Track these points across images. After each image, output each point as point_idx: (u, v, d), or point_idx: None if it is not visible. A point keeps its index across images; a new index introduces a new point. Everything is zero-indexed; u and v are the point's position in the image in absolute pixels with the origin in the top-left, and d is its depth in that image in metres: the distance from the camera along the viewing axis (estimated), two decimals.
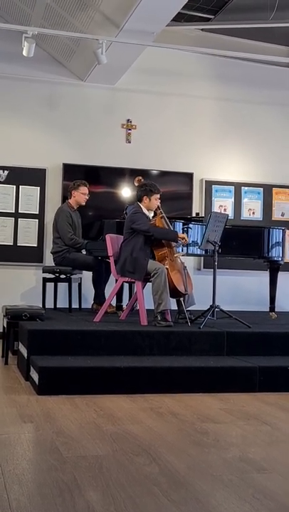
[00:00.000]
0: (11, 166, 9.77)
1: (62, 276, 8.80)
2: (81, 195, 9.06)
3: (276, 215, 11.00)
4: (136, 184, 8.09)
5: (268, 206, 10.97)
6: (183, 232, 8.10)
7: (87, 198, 9.13)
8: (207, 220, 7.50)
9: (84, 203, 9.14)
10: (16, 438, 4.15)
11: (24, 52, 8.50)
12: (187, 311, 7.39)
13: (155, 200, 7.58)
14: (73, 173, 9.82)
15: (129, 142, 10.41)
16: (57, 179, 9.97)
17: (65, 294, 9.13)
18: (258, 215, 10.90)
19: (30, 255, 9.84)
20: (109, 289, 8.11)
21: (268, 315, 8.99)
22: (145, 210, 7.54)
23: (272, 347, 6.88)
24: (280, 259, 8.94)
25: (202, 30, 10.60)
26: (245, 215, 10.85)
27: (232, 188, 10.81)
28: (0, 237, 9.76)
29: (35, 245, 9.88)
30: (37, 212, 9.92)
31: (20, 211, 9.86)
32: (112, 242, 7.64)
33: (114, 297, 8.06)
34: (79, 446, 3.99)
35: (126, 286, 8.71)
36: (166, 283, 7.11)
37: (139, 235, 7.33)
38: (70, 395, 5.48)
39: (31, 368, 5.97)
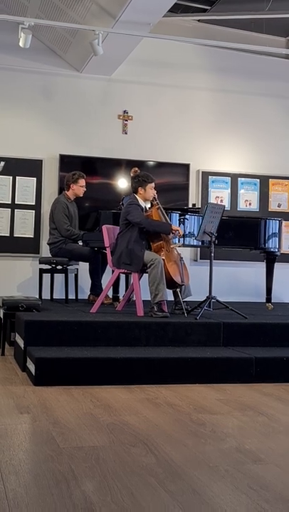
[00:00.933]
0: (8, 157, 9.75)
1: (59, 267, 8.81)
2: (80, 188, 9.06)
3: (273, 206, 11.01)
4: (132, 175, 8.08)
5: (264, 197, 10.97)
6: (179, 224, 8.11)
7: (85, 189, 9.13)
8: (204, 211, 7.50)
9: (82, 195, 9.14)
10: (13, 429, 4.16)
11: (21, 43, 8.49)
12: (184, 301, 7.40)
13: (150, 190, 7.56)
14: (70, 164, 9.82)
15: (126, 133, 10.40)
16: (53, 170, 9.97)
17: (61, 285, 9.14)
18: (254, 206, 10.91)
19: (27, 246, 9.84)
20: (106, 279, 8.11)
21: (265, 306, 9.01)
22: (141, 202, 7.53)
23: (269, 338, 6.88)
24: (276, 250, 8.95)
25: (199, 21, 10.60)
26: (242, 206, 10.86)
27: (228, 179, 10.81)
28: None
29: (32, 236, 9.88)
30: (33, 203, 9.92)
31: (16, 202, 9.86)
32: (108, 233, 7.64)
33: (111, 288, 8.07)
34: (75, 437, 3.99)
35: (122, 277, 8.70)
36: (163, 274, 7.11)
37: (135, 226, 7.32)
38: (66, 385, 5.48)
39: (28, 358, 5.97)
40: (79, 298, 9.31)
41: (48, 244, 9.01)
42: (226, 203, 10.61)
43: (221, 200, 10.64)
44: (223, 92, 10.85)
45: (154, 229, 7.41)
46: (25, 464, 3.47)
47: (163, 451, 3.74)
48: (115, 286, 8.34)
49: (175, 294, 7.52)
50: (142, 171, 7.95)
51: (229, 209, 10.54)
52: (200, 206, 9.91)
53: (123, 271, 7.52)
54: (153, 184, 7.59)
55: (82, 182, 9.06)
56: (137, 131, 10.40)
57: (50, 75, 10.10)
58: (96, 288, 8.75)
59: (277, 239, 8.94)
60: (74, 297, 9.23)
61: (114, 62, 9.70)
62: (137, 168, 8.21)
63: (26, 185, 9.92)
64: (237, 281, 10.57)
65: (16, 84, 9.94)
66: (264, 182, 10.98)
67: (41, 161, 9.96)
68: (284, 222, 9.56)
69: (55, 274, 9.13)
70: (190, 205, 10.12)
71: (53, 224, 8.91)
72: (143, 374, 5.80)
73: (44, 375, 5.56)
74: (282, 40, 11.12)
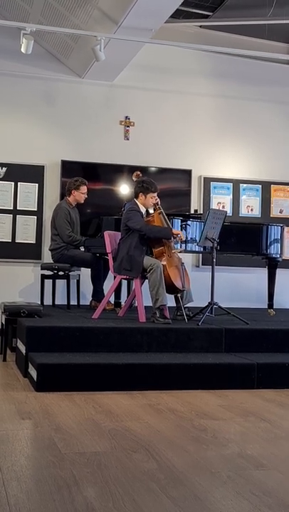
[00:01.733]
0: (10, 163, 9.76)
1: (61, 273, 8.80)
2: (81, 194, 9.06)
3: (274, 212, 11.01)
4: (134, 179, 8.09)
5: (266, 203, 10.97)
6: (181, 229, 8.10)
7: (86, 196, 9.12)
8: (205, 217, 7.50)
9: (83, 202, 9.14)
10: (15, 434, 4.15)
11: (22, 49, 8.49)
12: (185, 307, 7.40)
13: (151, 199, 7.54)
14: (71, 170, 9.82)
15: (128, 139, 10.40)
16: (55, 176, 9.97)
17: (63, 291, 9.14)
18: (256, 212, 10.91)
19: (29, 252, 9.83)
20: (108, 285, 8.11)
21: (267, 312, 8.99)
22: (141, 207, 7.53)
23: (271, 344, 6.88)
24: (278, 256, 8.95)
25: (201, 27, 10.60)
26: (244, 212, 10.85)
27: (230, 185, 10.81)
28: None
29: (34, 242, 9.87)
30: (35, 209, 9.91)
31: (18, 208, 9.85)
32: (110, 239, 7.64)
33: (113, 294, 8.06)
34: (77, 443, 3.99)
35: (124, 283, 8.70)
36: (162, 278, 7.10)
37: (135, 232, 7.32)
38: (68, 391, 5.48)
39: (29, 364, 5.97)
40: (81, 304, 9.30)
41: (49, 250, 9.01)
42: (228, 209, 10.60)
43: (223, 206, 10.63)
44: (225, 98, 10.86)
45: (155, 235, 7.40)
46: (26, 470, 3.47)
47: (165, 457, 3.73)
48: (117, 292, 8.34)
49: (176, 300, 7.51)
50: (147, 178, 7.88)
51: (231, 215, 10.53)
52: (202, 212, 9.91)
53: (124, 277, 7.52)
54: (155, 194, 7.57)
55: (83, 189, 9.06)
56: (138, 137, 10.40)
57: (51, 80, 10.10)
58: (98, 294, 8.75)
59: (279, 245, 8.94)
60: (76, 303, 9.22)
61: (116, 67, 9.71)
62: (139, 172, 8.23)
63: (28, 191, 9.92)
64: (239, 287, 10.56)
65: (18, 90, 9.95)
66: (266, 188, 10.97)
67: (43, 166, 9.96)
68: (286, 228, 9.55)
69: (57, 280, 9.12)
70: (192, 211, 10.11)
71: (55, 230, 8.91)
72: (145, 380, 5.80)
73: (46, 381, 5.56)
74: (284, 46, 11.12)
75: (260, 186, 10.95)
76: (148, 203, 7.57)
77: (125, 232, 7.39)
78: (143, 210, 7.55)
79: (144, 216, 7.56)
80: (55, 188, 9.97)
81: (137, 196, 7.57)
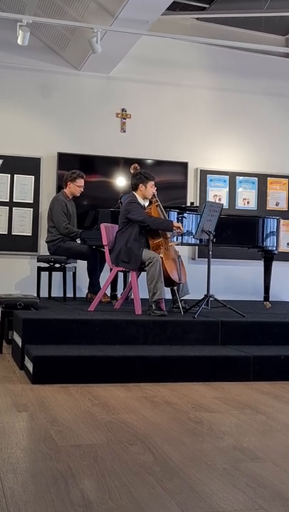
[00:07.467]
0: (6, 155, 9.73)
1: (57, 265, 8.80)
2: (77, 187, 9.02)
3: (271, 205, 11.01)
4: (132, 171, 8.08)
5: (262, 196, 10.97)
6: (178, 222, 8.10)
7: (82, 190, 9.10)
8: (202, 210, 7.50)
9: (78, 195, 9.11)
10: (11, 427, 4.16)
11: (19, 41, 8.48)
12: (181, 300, 7.40)
13: (151, 188, 7.56)
14: (68, 162, 9.81)
15: (124, 131, 10.39)
16: (52, 168, 9.96)
17: (59, 283, 9.13)
18: (252, 205, 10.90)
19: (25, 244, 9.83)
20: (104, 278, 8.11)
21: (263, 304, 9.01)
22: (140, 200, 7.53)
23: (267, 336, 6.88)
24: (274, 248, 8.95)
25: (197, 19, 10.58)
26: (240, 204, 10.85)
27: (227, 177, 10.81)
28: None
29: (30, 234, 9.87)
30: (31, 201, 9.91)
31: (14, 200, 9.84)
32: (106, 231, 7.63)
33: (109, 286, 8.07)
34: (73, 435, 4.00)
35: (120, 275, 8.70)
36: (161, 272, 7.11)
37: (135, 224, 7.31)
38: (64, 384, 5.49)
39: (26, 357, 5.97)
40: (77, 296, 9.30)
41: (46, 242, 9.00)
42: (224, 202, 10.60)
43: (219, 199, 10.63)
44: (222, 91, 10.84)
45: (157, 227, 7.41)
46: (23, 462, 3.47)
47: (161, 450, 3.74)
48: (113, 284, 8.34)
49: (173, 292, 7.52)
50: (142, 169, 7.92)
51: (227, 207, 10.54)
52: (198, 205, 9.91)
53: (121, 269, 7.52)
54: (153, 182, 7.60)
55: (80, 182, 9.03)
56: (135, 129, 10.39)
57: (48, 72, 10.08)
58: (94, 286, 8.74)
59: (275, 237, 8.95)
60: (72, 295, 9.22)
61: (112, 60, 9.69)
62: (136, 165, 8.22)
63: (24, 183, 9.91)
64: (235, 279, 10.57)
65: (14, 81, 9.93)
66: (262, 180, 10.97)
67: (39, 159, 9.95)
68: (282, 221, 9.56)
69: (53, 273, 9.12)
70: (188, 204, 10.11)
71: (52, 222, 8.89)
72: (141, 372, 5.81)
73: (42, 373, 5.56)
74: (281, 38, 11.11)
75: (257, 179, 10.95)
76: (149, 193, 7.57)
77: (124, 224, 7.38)
78: (142, 202, 7.55)
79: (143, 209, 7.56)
80: (51, 180, 9.96)
81: (136, 188, 7.55)
